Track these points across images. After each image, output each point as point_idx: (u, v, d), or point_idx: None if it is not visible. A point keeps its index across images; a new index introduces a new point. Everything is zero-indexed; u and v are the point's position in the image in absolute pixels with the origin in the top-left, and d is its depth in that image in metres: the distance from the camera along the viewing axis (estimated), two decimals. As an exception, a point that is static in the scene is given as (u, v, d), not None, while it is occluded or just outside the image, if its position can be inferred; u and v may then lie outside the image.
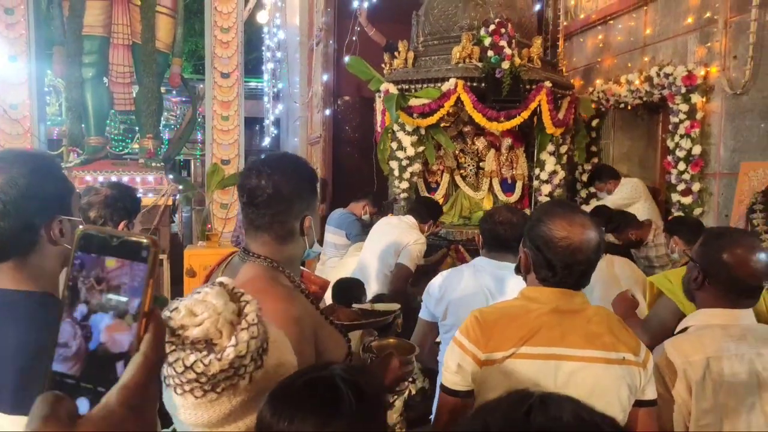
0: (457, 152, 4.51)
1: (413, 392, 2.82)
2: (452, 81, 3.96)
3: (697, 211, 3.87)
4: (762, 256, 1.48)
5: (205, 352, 0.82)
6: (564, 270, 1.37)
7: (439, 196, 4.34)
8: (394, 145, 4.24)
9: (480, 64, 4.02)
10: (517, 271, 1.53)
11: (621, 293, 2.24)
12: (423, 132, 4.18)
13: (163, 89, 6.65)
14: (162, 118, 11.23)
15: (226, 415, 0.86)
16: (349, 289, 2.76)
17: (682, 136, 3.90)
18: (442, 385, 1.42)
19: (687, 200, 3.90)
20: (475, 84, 4.01)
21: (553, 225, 1.37)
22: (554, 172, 4.34)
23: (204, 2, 6.10)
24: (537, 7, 5.14)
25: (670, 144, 4.00)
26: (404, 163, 4.22)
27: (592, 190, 5.00)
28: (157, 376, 0.56)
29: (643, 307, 2.31)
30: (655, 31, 4.37)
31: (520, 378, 1.31)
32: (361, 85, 4.92)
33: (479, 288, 2.18)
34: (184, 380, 0.83)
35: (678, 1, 4.14)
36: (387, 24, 5.44)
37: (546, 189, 4.36)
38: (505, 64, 3.96)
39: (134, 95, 5.80)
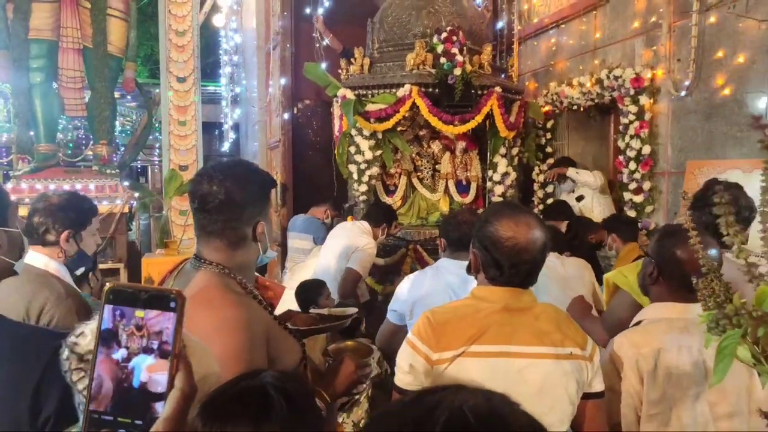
0: (413, 155, 4.67)
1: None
2: (407, 87, 4.11)
3: (648, 209, 4.01)
4: (713, 252, 1.52)
5: None
6: (511, 269, 1.40)
7: (397, 198, 4.48)
8: (353, 149, 4.35)
9: (433, 71, 4.18)
10: (468, 271, 1.56)
11: (576, 298, 2.30)
12: (380, 136, 4.32)
13: (117, 94, 6.49)
14: (118, 124, 10.94)
15: None
16: (310, 289, 2.86)
17: (632, 137, 4.03)
18: (394, 385, 1.44)
19: (638, 198, 4.03)
20: (429, 90, 4.18)
21: (499, 225, 1.41)
22: (506, 174, 4.55)
23: (158, 5, 5.99)
24: (489, 14, 5.33)
25: (621, 144, 4.14)
26: (362, 166, 4.34)
27: (549, 190, 5.13)
28: (189, 406, 0.64)
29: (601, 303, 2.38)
30: (605, 34, 4.51)
31: (470, 377, 1.34)
32: (321, 89, 5.02)
33: (444, 287, 2.24)
34: None
35: (625, 6, 4.29)
36: (344, 28, 5.50)
37: (499, 190, 4.56)
38: (457, 71, 4.12)
39: (86, 100, 5.65)
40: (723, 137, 3.48)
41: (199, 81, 6.22)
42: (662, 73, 3.90)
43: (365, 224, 3.50)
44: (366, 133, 4.28)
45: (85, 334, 0.83)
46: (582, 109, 4.81)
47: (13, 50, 5.23)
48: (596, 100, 4.53)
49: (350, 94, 4.25)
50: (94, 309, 1.89)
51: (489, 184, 4.64)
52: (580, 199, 4.56)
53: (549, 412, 1.36)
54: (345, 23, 5.51)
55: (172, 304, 0.64)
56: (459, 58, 4.15)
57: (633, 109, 4.00)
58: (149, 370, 0.63)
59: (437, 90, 4.18)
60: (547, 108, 5.10)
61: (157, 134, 8.08)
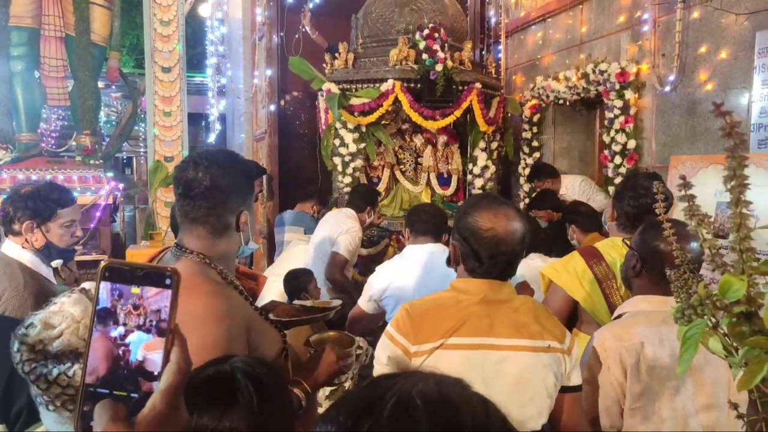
0: (396, 149, 4.77)
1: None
2: (390, 82, 4.25)
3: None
4: (692, 244, 1.53)
5: (69, 364, 0.80)
6: (490, 260, 1.41)
7: (380, 190, 4.53)
8: (337, 141, 4.46)
9: (416, 66, 4.33)
10: (448, 263, 1.56)
11: (521, 282, 2.33)
12: (364, 129, 4.42)
13: (102, 84, 6.40)
14: (102, 114, 10.82)
15: None
16: (299, 278, 2.89)
17: (617, 131, 4.05)
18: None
19: (623, 192, 4.06)
20: (411, 85, 4.31)
21: (479, 217, 1.41)
22: (486, 167, 4.73)
23: (143, -6, 5.91)
24: (470, 11, 5.38)
25: (606, 138, 4.16)
26: (347, 159, 4.45)
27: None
28: (185, 380, 0.66)
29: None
30: (591, 29, 4.52)
31: (448, 369, 1.33)
32: (308, 81, 5.02)
33: (412, 268, 2.44)
34: (53, 395, 0.81)
35: (611, 0, 4.30)
36: (329, 20, 5.52)
37: (479, 182, 4.74)
38: (439, 67, 4.26)
39: (69, 90, 5.57)
40: (705, 132, 3.51)
41: (185, 71, 6.16)
42: (647, 67, 3.92)
43: (350, 211, 3.57)
44: (350, 126, 4.38)
45: (34, 325, 0.84)
46: (568, 103, 4.83)
47: (-7, 38, 5.15)
48: (582, 95, 4.55)
49: (335, 88, 4.35)
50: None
51: (469, 177, 4.80)
52: None
53: (527, 404, 1.37)
54: (331, 16, 5.54)
55: (168, 281, 0.65)
56: (440, 54, 4.27)
57: (618, 103, 4.02)
58: (146, 349, 0.65)
59: (419, 85, 4.31)
60: (533, 102, 5.11)
61: (142, 125, 8.01)
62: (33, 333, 0.83)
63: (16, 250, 1.98)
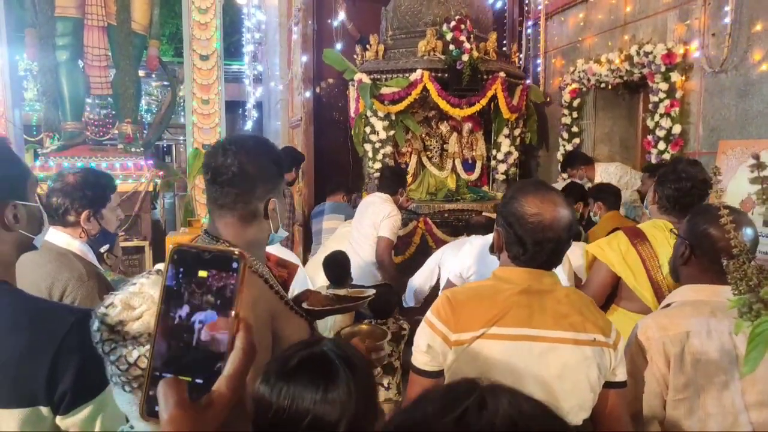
0: (423, 136, 4.94)
1: None
2: (419, 72, 4.45)
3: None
4: (748, 230, 1.49)
5: (148, 346, 0.79)
6: (534, 247, 1.36)
7: (408, 176, 4.70)
8: (368, 129, 4.67)
9: (443, 57, 4.51)
10: (491, 250, 1.53)
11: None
12: (393, 117, 4.62)
13: (142, 73, 6.53)
14: (143, 103, 11.07)
15: None
16: (343, 263, 3.00)
17: (662, 115, 3.90)
18: (412, 365, 1.42)
19: (667, 179, 3.91)
20: (439, 74, 4.50)
21: (525, 202, 1.37)
22: (509, 153, 4.93)
23: (181, -17, 5.98)
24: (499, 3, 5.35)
25: (650, 123, 4.01)
26: (377, 145, 4.67)
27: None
28: (250, 366, 0.65)
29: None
30: (635, 9, 4.34)
31: (490, 359, 1.31)
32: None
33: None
34: (131, 377, 0.82)
35: (658, -21, 4.12)
36: (365, 3, 5.66)
37: (502, 168, 4.96)
38: (465, 57, 4.44)
39: (111, 79, 5.69)
40: (759, 116, 3.34)
41: (222, 59, 6.22)
42: (695, 48, 3.74)
43: (385, 195, 3.70)
44: (380, 114, 4.58)
45: (115, 305, 0.84)
46: (610, 87, 4.67)
47: (40, 28, 5.29)
48: (625, 78, 4.38)
49: (366, 78, 4.56)
50: (115, 287, 1.92)
51: (493, 162, 5.00)
52: None
53: (568, 397, 1.33)
54: (363, 2, 5.66)
55: (234, 265, 0.65)
56: (467, 45, 4.45)
57: (664, 86, 3.86)
58: (210, 329, 0.64)
59: (447, 75, 4.49)
60: (573, 86, 4.96)
61: (182, 113, 8.14)
62: (113, 313, 0.84)
63: (65, 239, 1.93)
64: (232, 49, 10.56)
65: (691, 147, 3.84)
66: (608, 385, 1.39)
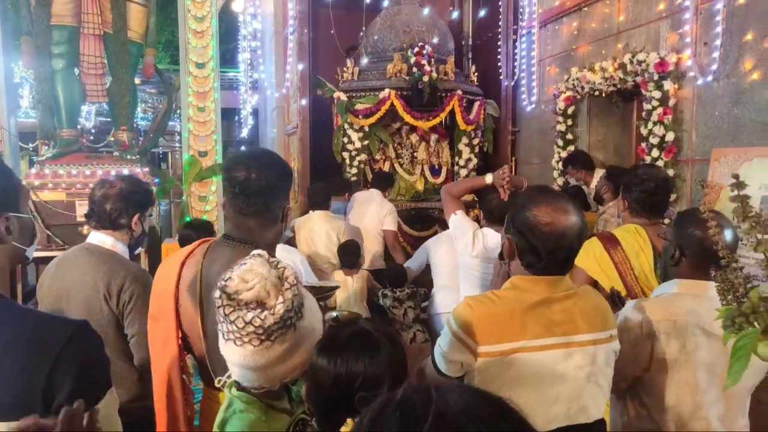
0: (395, 145, 5.75)
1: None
2: (387, 90, 5.34)
3: (671, 198, 3.90)
4: (728, 233, 1.58)
5: (259, 310, 1.06)
6: (549, 255, 1.39)
7: None
8: (345, 139, 5.46)
9: (407, 78, 5.39)
10: (501, 257, 1.55)
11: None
12: (367, 129, 5.45)
13: (138, 80, 6.53)
14: (140, 110, 11.05)
15: (277, 357, 1.10)
16: (349, 249, 3.77)
17: (655, 123, 3.92)
18: (434, 364, 1.44)
19: (660, 186, 3.93)
20: (404, 93, 5.41)
21: (537, 211, 1.39)
22: (469, 159, 5.87)
23: (177, -9, 5.99)
24: (502, 3, 5.39)
25: (644, 131, 4.03)
26: (353, 153, 5.50)
27: (566, 177, 5.04)
28: None
29: None
30: (628, 18, 4.38)
31: (520, 371, 1.35)
32: (338, 76, 5.24)
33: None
34: (244, 333, 1.06)
35: (650, -12, 4.16)
36: (344, 13, 6.27)
37: (463, 172, 5.85)
38: (425, 78, 5.32)
39: (107, 86, 5.69)
40: (750, 124, 3.37)
41: (218, 67, 6.23)
42: (687, 57, 3.78)
43: (378, 192, 4.62)
44: (356, 127, 5.40)
45: (233, 279, 1.07)
46: (604, 95, 4.70)
47: (36, 36, 5.29)
48: (619, 86, 4.42)
49: (343, 96, 5.43)
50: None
51: (456, 168, 5.88)
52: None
53: (599, 395, 1.42)
54: (347, 10, 6.22)
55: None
56: (427, 68, 5.33)
57: (657, 94, 3.89)
58: None
59: (410, 93, 5.40)
60: (567, 94, 4.99)
61: (178, 120, 8.13)
62: (232, 285, 1.07)
63: (110, 241, 2.08)
64: (228, 56, 10.57)
65: (684, 154, 3.87)
66: None
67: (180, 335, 1.48)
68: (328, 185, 4.64)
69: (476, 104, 5.71)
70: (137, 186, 2.19)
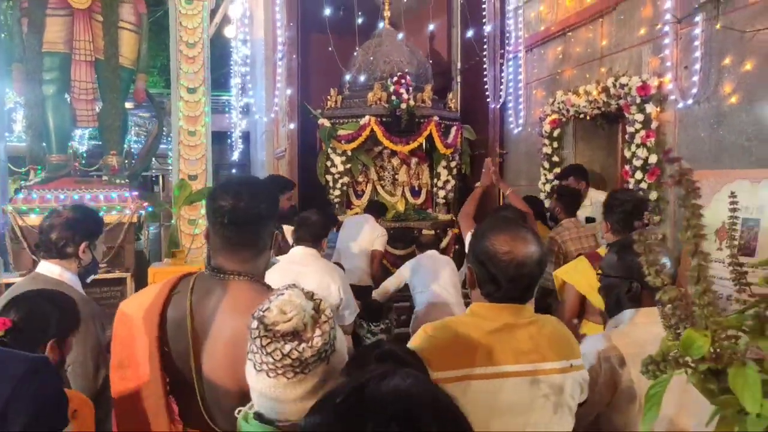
0: (377, 168, 6.06)
1: None
2: (367, 117, 5.70)
3: (654, 219, 3.91)
4: (666, 255, 1.66)
5: (296, 342, 1.04)
6: (509, 284, 1.39)
7: (364, 201, 5.88)
8: (329, 163, 5.77)
9: (387, 105, 5.73)
10: (463, 286, 1.56)
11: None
12: (350, 154, 5.77)
13: (131, 105, 6.57)
14: (133, 134, 11.07)
15: (309, 390, 1.06)
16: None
17: (638, 146, 3.96)
18: None
19: (645, 209, 3.95)
20: (383, 119, 5.75)
21: (496, 240, 1.40)
22: (447, 181, 6.22)
23: (169, 18, 6.07)
24: (488, 25, 5.85)
25: (627, 153, 4.07)
26: (336, 176, 5.81)
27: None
28: None
29: None
30: (611, 42, 4.45)
31: (473, 399, 1.32)
32: (326, 100, 5.31)
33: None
34: (279, 365, 1.04)
35: (632, 13, 4.23)
36: (337, 39, 6.53)
37: (441, 193, 6.25)
38: (403, 105, 5.69)
39: (98, 111, 5.72)
40: (731, 146, 3.40)
41: (209, 92, 6.28)
42: (669, 80, 3.83)
43: (371, 217, 4.88)
44: (338, 151, 5.74)
45: (271, 309, 1.06)
46: (589, 117, 4.75)
47: (27, 63, 5.33)
48: (603, 109, 4.47)
49: (327, 123, 5.75)
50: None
51: (435, 189, 6.25)
52: (590, 220, 4.37)
53: (566, 424, 1.38)
54: (338, 35, 6.49)
55: None
56: (405, 96, 5.71)
57: (639, 117, 3.94)
58: None
59: (390, 119, 5.74)
60: (553, 116, 5.04)
61: (170, 143, 8.16)
62: (270, 316, 1.06)
63: (57, 270, 2.08)
64: (222, 80, 10.67)
65: (667, 177, 3.89)
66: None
67: (167, 380, 1.39)
68: (327, 217, 3.72)
69: (453, 129, 6.12)
70: (85, 215, 2.19)
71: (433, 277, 3.91)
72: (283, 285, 1.15)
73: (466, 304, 4.19)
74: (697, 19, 3.54)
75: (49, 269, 2.08)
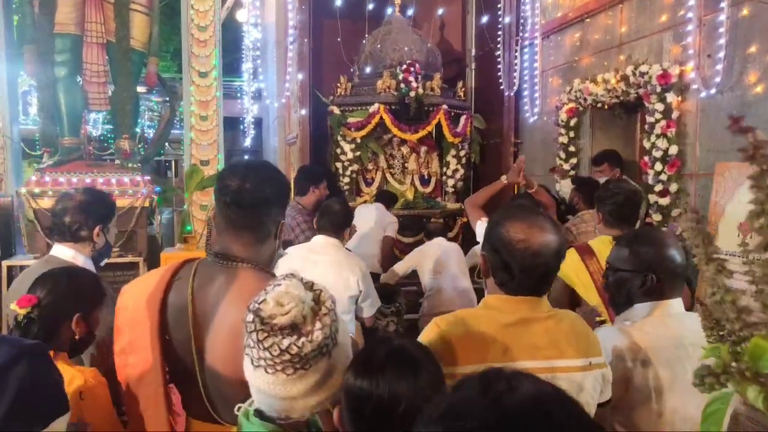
0: (387, 156, 6.07)
1: None
2: (376, 105, 5.65)
3: (674, 212, 3.83)
4: (677, 247, 1.65)
5: (295, 336, 0.98)
6: (521, 273, 1.33)
7: (373, 189, 5.86)
8: (338, 150, 5.74)
9: (395, 93, 5.70)
10: (478, 275, 1.51)
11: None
12: (359, 141, 5.75)
13: (143, 89, 6.55)
14: (146, 118, 11.08)
15: (310, 386, 1.02)
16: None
17: (658, 136, 3.86)
18: None
19: (664, 201, 3.85)
20: (392, 107, 5.71)
21: (511, 227, 1.34)
22: (456, 170, 6.19)
23: (181, 1, 6.01)
24: (503, 11, 5.89)
25: (647, 144, 3.97)
26: (346, 164, 5.77)
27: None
28: None
29: None
30: (631, 29, 4.33)
31: None
32: (337, 85, 5.28)
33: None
34: (278, 361, 0.98)
35: (652, 0, 4.11)
36: (349, 23, 6.53)
37: (451, 182, 6.21)
38: (412, 94, 5.65)
39: (110, 95, 5.70)
40: (754, 137, 3.29)
41: (221, 76, 6.23)
42: (691, 69, 3.71)
43: (382, 205, 4.87)
44: (348, 138, 5.68)
45: (267, 301, 1.00)
46: (607, 107, 4.64)
47: (39, 44, 5.31)
48: (621, 98, 4.36)
49: (337, 110, 5.70)
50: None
51: (444, 177, 6.21)
52: None
53: None
54: (350, 20, 6.45)
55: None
56: (414, 84, 5.66)
57: (659, 107, 3.83)
58: None
59: (398, 107, 5.71)
60: (570, 105, 4.94)
61: (183, 129, 8.15)
62: (266, 308, 0.99)
63: (70, 254, 2.08)
64: (234, 65, 10.60)
65: (688, 168, 3.79)
66: (598, 405, 1.39)
67: (166, 369, 1.36)
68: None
69: (463, 118, 6.06)
70: (97, 198, 2.19)
71: (440, 263, 4.11)
72: (281, 275, 1.08)
73: (476, 291, 4.22)
74: (722, 5, 3.42)
75: (63, 252, 2.08)
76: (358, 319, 3.09)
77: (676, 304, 1.63)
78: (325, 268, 2.84)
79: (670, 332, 1.56)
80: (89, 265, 2.09)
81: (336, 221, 3.01)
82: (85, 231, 2.09)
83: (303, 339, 0.98)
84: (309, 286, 1.05)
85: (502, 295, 1.37)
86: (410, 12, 6.55)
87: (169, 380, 1.39)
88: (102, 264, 2.24)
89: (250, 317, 1.01)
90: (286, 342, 0.97)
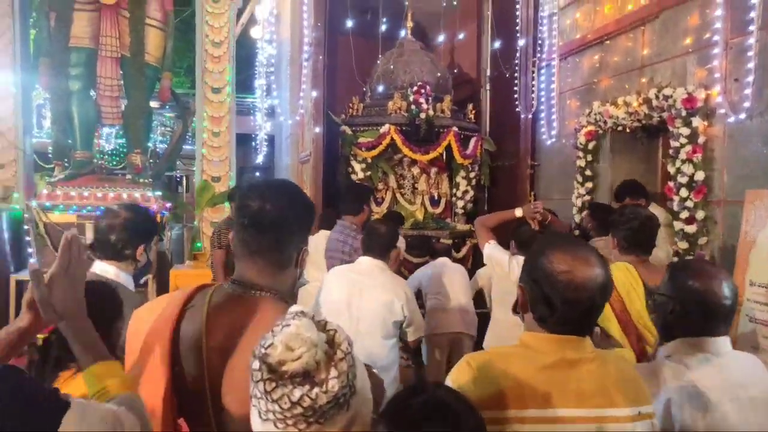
0: (397, 176, 6.07)
1: None
2: (386, 126, 5.67)
3: (701, 241, 3.68)
4: (725, 282, 1.54)
5: (308, 386, 0.87)
6: (564, 306, 1.21)
7: (383, 208, 5.84)
8: (349, 170, 5.73)
9: (406, 114, 5.74)
10: (514, 310, 1.38)
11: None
12: (370, 161, 5.75)
13: (157, 104, 6.53)
14: (158, 133, 11.09)
15: None
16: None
17: (683, 161, 3.73)
18: None
19: (691, 229, 3.70)
20: (403, 128, 5.75)
21: (554, 258, 1.23)
22: (466, 191, 6.23)
23: (195, 16, 6.02)
24: (521, 32, 5.82)
25: (671, 169, 3.84)
26: None
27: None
28: None
29: None
30: (653, 51, 4.24)
31: None
32: (352, 103, 5.20)
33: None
34: (289, 415, 0.87)
35: (676, 22, 4.02)
36: (363, 41, 6.68)
37: (460, 203, 6.25)
38: (422, 115, 5.68)
39: (123, 109, 5.68)
40: (787, 165, 3.17)
41: (234, 92, 6.21)
42: (717, 93, 3.60)
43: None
44: (359, 158, 5.70)
45: (275, 346, 0.88)
46: (628, 130, 4.53)
47: (54, 57, 5.32)
48: (643, 121, 4.25)
49: (348, 130, 5.75)
50: None
51: (453, 199, 6.23)
52: None
53: None
54: (364, 38, 6.62)
55: None
56: (424, 105, 5.69)
57: (685, 131, 3.71)
58: None
59: (409, 128, 5.74)
60: (589, 128, 4.83)
61: (195, 145, 8.13)
62: (274, 354, 0.88)
63: (112, 271, 2.03)
64: (247, 82, 10.62)
65: (715, 195, 3.66)
66: None
67: (174, 404, 1.25)
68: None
69: (473, 140, 6.07)
70: (142, 216, 2.15)
71: (443, 283, 4.11)
72: (290, 312, 0.96)
73: (479, 315, 4.18)
74: (752, 28, 3.32)
75: (104, 269, 2.04)
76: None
77: (710, 343, 1.52)
78: (371, 291, 2.80)
79: (718, 374, 1.46)
80: (130, 283, 2.07)
81: (382, 243, 2.95)
82: (129, 250, 2.05)
83: (316, 389, 0.87)
84: (322, 326, 0.93)
85: (541, 333, 1.25)
86: (423, 34, 6.55)
87: (179, 415, 1.29)
88: (142, 281, 2.24)
89: (256, 364, 0.90)
90: (297, 393, 0.86)
